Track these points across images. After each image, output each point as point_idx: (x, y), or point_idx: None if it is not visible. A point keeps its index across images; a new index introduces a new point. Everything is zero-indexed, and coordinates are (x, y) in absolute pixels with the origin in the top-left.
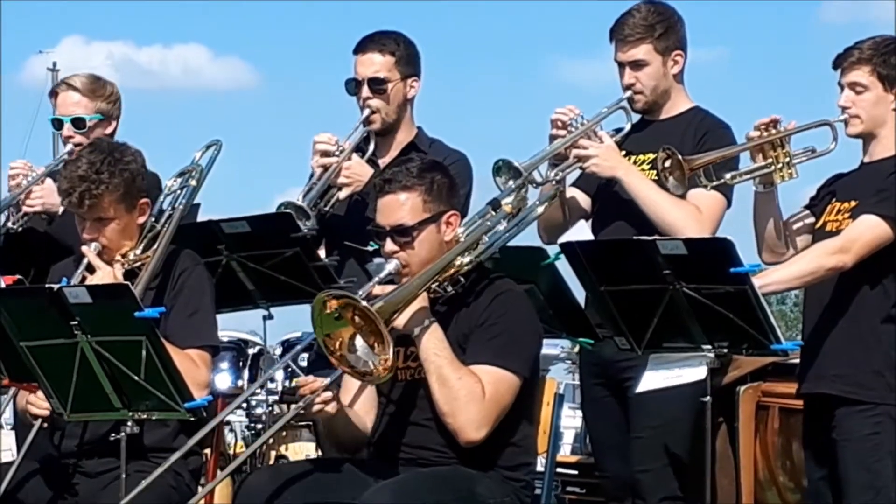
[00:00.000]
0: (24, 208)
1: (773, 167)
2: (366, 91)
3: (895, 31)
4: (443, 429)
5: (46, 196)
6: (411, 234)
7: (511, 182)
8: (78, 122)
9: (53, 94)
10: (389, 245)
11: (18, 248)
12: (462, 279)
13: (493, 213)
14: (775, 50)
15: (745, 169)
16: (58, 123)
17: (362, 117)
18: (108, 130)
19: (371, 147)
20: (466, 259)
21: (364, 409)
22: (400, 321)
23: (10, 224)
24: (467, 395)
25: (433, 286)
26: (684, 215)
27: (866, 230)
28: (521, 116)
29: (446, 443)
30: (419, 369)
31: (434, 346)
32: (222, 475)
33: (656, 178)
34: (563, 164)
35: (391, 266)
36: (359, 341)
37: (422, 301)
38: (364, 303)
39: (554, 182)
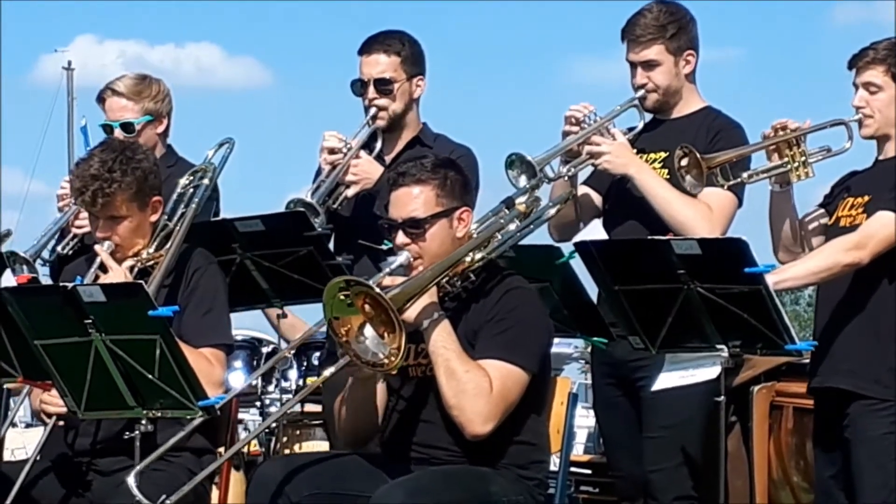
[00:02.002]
0: (73, 230)
1: (789, 166)
2: (372, 92)
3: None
4: (452, 426)
5: None
6: (423, 226)
7: (523, 176)
8: (127, 127)
9: (101, 100)
10: (401, 238)
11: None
12: (472, 276)
13: (507, 211)
14: (790, 50)
15: (762, 168)
16: (108, 129)
17: (368, 117)
18: (160, 129)
19: (378, 145)
20: (478, 256)
21: (378, 401)
22: (409, 314)
23: (59, 248)
24: (475, 388)
25: (443, 282)
26: (695, 214)
27: (882, 226)
28: (535, 116)
29: (455, 441)
30: (430, 367)
31: (442, 339)
32: (225, 456)
33: (668, 176)
34: (576, 161)
35: (402, 258)
36: (368, 331)
37: (431, 295)
38: (378, 290)
39: (566, 178)
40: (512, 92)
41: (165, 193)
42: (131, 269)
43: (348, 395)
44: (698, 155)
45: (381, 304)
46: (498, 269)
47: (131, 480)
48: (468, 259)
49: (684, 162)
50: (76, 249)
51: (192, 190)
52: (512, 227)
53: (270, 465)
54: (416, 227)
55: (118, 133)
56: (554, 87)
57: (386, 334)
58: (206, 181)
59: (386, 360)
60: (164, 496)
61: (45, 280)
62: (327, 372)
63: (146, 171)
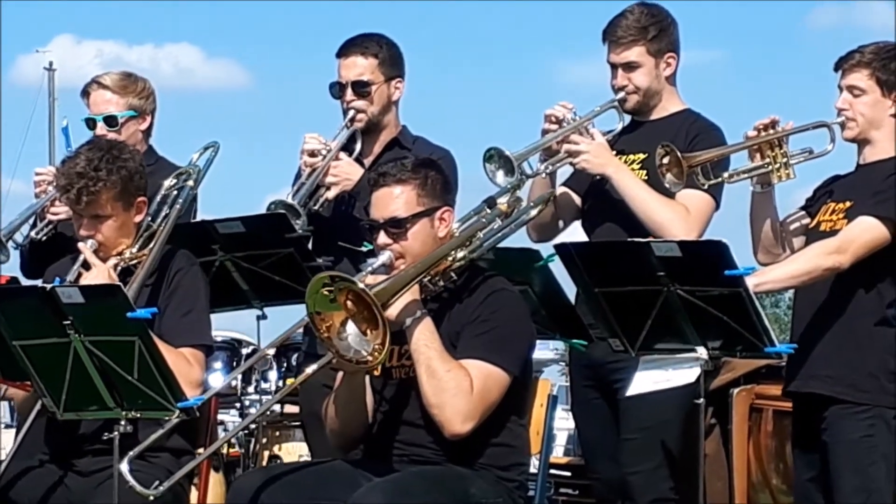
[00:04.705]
0: (49, 216)
1: (770, 167)
2: (349, 94)
3: (895, 35)
4: (434, 427)
5: None
6: (404, 226)
7: (500, 171)
8: (110, 120)
9: (85, 93)
10: (383, 238)
11: (45, 255)
12: (454, 276)
13: (489, 210)
14: (772, 53)
15: (744, 168)
16: (91, 123)
17: (346, 120)
18: (143, 126)
19: (358, 147)
20: (460, 254)
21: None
22: (392, 311)
23: (33, 234)
24: (455, 387)
25: (426, 281)
26: (673, 215)
27: (864, 231)
28: (517, 118)
29: (437, 441)
30: (413, 368)
31: (425, 337)
32: (207, 452)
33: (646, 177)
34: (554, 159)
35: (384, 257)
36: (350, 327)
37: (414, 293)
38: (361, 285)
39: (544, 176)
40: (494, 94)
41: (148, 193)
42: (115, 267)
43: (335, 398)
44: (679, 153)
45: (364, 301)
46: (481, 270)
47: (124, 467)
48: (450, 258)
49: (665, 160)
50: (49, 236)
51: (175, 192)
52: (493, 226)
53: (249, 476)
54: (397, 227)
55: (101, 127)
56: (536, 89)
57: (368, 331)
58: (189, 183)
59: (369, 357)
60: (157, 482)
61: (15, 265)
62: (309, 370)
63: (132, 171)
